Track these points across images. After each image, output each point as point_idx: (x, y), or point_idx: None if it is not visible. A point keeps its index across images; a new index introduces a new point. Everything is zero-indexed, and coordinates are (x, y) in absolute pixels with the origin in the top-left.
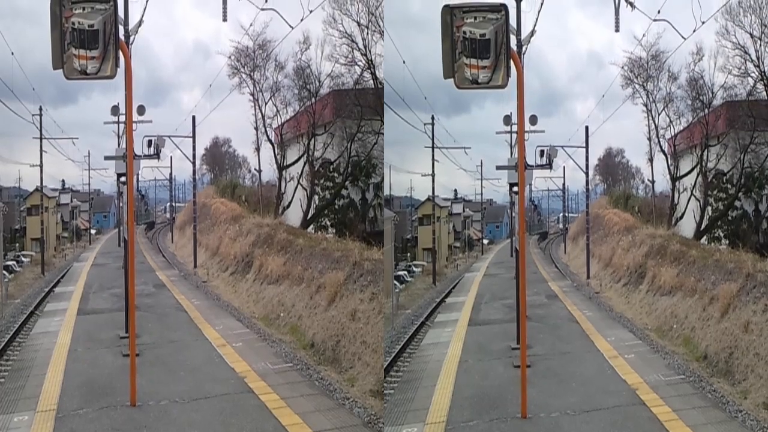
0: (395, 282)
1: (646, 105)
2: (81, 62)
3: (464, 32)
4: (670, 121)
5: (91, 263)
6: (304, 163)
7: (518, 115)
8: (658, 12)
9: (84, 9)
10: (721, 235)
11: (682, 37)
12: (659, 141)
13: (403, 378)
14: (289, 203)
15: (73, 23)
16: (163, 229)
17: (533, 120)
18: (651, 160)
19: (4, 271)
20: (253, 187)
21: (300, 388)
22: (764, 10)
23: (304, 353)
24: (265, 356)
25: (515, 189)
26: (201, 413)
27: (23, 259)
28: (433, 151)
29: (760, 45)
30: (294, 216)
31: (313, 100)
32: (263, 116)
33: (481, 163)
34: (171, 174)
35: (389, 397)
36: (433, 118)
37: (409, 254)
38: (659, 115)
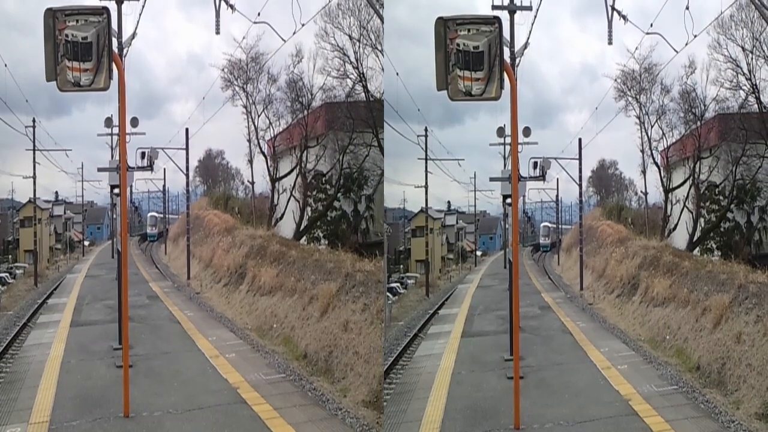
0: (388, 294)
1: (639, 117)
2: (74, 74)
3: (458, 44)
4: (663, 134)
5: (84, 275)
6: (297, 175)
7: (512, 127)
8: (651, 25)
9: (77, 21)
10: (714, 246)
11: (675, 50)
12: (652, 153)
13: (396, 390)
14: (282, 215)
15: (67, 35)
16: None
17: (527, 132)
18: (644, 172)
19: None
20: (246, 199)
21: (293, 398)
22: (755, 24)
23: (297, 364)
24: (258, 367)
25: (509, 201)
26: (194, 424)
27: (16, 270)
28: (426, 162)
29: (752, 58)
30: (287, 228)
31: (305, 112)
32: (256, 128)
33: (475, 174)
34: (164, 186)
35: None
36: (426, 129)
37: (402, 266)
38: (652, 127)
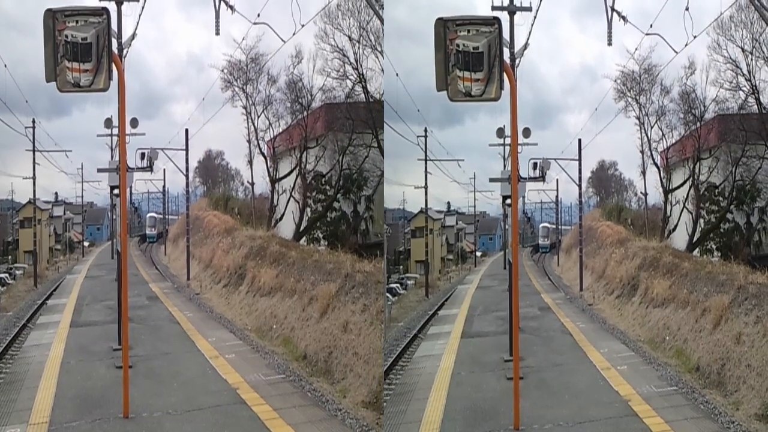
0: (388, 295)
1: (638, 118)
2: (74, 75)
3: (457, 45)
4: (663, 134)
5: (84, 275)
6: (296, 176)
7: (511, 127)
8: (651, 26)
9: (77, 22)
10: (714, 247)
11: (675, 51)
12: (652, 154)
13: (395, 390)
14: (282, 216)
15: (67, 36)
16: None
17: (526, 133)
18: (644, 172)
19: None
20: (246, 200)
21: (292, 399)
22: (755, 25)
23: (297, 365)
24: (258, 368)
25: (508, 201)
26: (194, 425)
27: (16, 271)
28: (426, 163)
29: (751, 59)
30: (286, 228)
31: (305, 113)
32: (256, 129)
33: (474, 175)
34: (164, 187)
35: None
36: (426, 130)
37: (401, 267)
38: (652, 128)
